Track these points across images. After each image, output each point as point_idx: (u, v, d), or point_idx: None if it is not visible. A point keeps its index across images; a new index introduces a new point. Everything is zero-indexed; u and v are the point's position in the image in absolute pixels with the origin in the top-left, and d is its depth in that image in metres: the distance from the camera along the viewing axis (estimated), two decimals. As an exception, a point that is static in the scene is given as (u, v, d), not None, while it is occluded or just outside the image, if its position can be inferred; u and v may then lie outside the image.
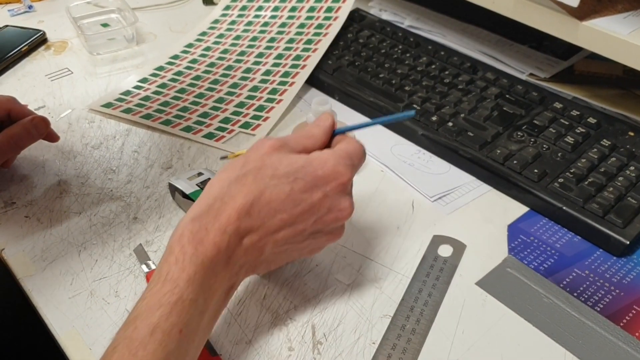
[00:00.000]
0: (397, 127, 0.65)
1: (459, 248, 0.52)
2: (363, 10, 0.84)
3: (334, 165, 0.42)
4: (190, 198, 0.54)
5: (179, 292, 0.36)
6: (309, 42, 0.76)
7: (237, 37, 0.82)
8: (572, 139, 0.59)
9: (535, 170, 0.56)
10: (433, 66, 0.71)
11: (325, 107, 0.59)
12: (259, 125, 0.67)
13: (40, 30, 0.85)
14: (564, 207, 0.53)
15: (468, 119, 0.63)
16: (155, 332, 0.35)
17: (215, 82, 0.74)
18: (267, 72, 0.74)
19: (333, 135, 0.46)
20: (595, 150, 0.58)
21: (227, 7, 0.88)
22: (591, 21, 0.56)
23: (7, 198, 0.59)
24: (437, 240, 0.53)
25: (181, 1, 0.95)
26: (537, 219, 0.55)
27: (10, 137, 0.57)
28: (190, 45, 0.82)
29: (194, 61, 0.79)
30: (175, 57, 0.80)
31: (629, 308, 0.47)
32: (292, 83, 0.71)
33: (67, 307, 0.48)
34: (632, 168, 0.56)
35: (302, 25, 0.80)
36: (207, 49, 0.81)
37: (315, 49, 0.74)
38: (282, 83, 0.72)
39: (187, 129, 0.67)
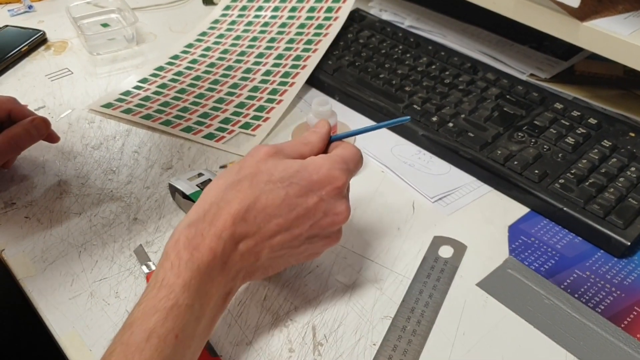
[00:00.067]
0: (397, 128, 0.65)
1: (459, 249, 0.52)
2: (363, 10, 0.84)
3: (328, 169, 0.42)
4: (190, 199, 0.54)
5: (174, 297, 0.36)
6: (309, 42, 0.76)
7: (237, 37, 0.82)
8: (573, 140, 0.59)
9: (536, 171, 0.56)
10: (433, 66, 0.71)
11: (325, 108, 0.59)
12: (259, 125, 0.67)
13: (40, 31, 0.85)
14: (565, 208, 0.53)
15: (468, 119, 0.63)
16: (151, 338, 0.35)
17: (216, 82, 0.74)
18: (267, 73, 0.74)
19: (330, 141, 0.47)
20: (596, 151, 0.58)
21: (227, 7, 0.88)
22: (592, 22, 0.56)
23: (7, 199, 0.59)
24: (438, 241, 0.53)
25: (181, 1, 0.95)
26: (537, 220, 0.55)
27: (11, 137, 0.57)
28: (190, 46, 0.82)
29: (194, 61, 0.78)
30: (176, 57, 0.80)
31: (630, 309, 0.47)
32: (292, 83, 0.71)
33: (67, 308, 0.48)
34: (632, 169, 0.56)
35: (302, 26, 0.80)
36: (207, 49, 0.81)
37: (316, 49, 0.74)
38: (282, 83, 0.72)
39: (187, 129, 0.67)
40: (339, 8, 0.79)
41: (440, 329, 0.45)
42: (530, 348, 0.44)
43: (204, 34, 0.84)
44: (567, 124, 0.61)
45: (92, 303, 0.48)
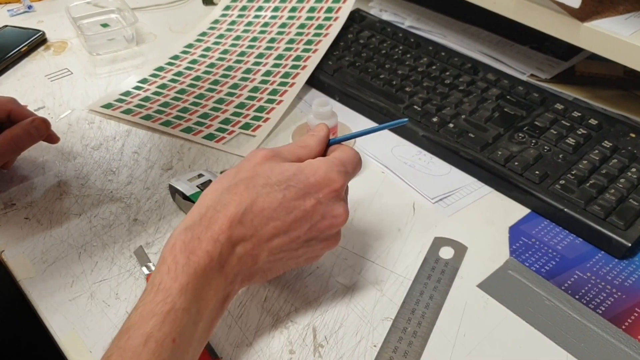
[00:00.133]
0: (397, 129, 0.65)
1: (460, 250, 0.52)
2: (363, 10, 0.84)
3: (326, 172, 0.42)
4: (190, 200, 0.54)
5: (171, 301, 0.36)
6: (309, 42, 0.76)
7: (237, 38, 0.82)
8: (574, 141, 0.59)
9: (537, 172, 0.55)
10: (434, 67, 0.71)
11: (326, 109, 0.59)
12: (259, 126, 0.66)
13: (39, 31, 0.85)
14: (566, 209, 0.53)
15: (469, 120, 0.63)
16: (149, 342, 0.35)
17: (216, 82, 0.74)
18: (268, 73, 0.74)
19: (328, 145, 0.47)
20: (596, 151, 0.57)
21: (227, 8, 0.88)
22: (592, 22, 0.55)
23: (7, 199, 0.58)
24: (438, 243, 0.53)
25: (181, 1, 0.95)
26: (538, 221, 0.55)
27: (11, 138, 0.57)
28: (190, 46, 0.82)
29: (194, 62, 0.78)
30: (175, 57, 0.80)
31: (631, 311, 0.47)
32: (293, 84, 0.71)
33: (67, 310, 0.48)
34: (633, 170, 0.56)
35: (302, 26, 0.79)
36: (207, 49, 0.81)
37: (316, 50, 0.74)
38: (283, 84, 0.72)
39: (187, 130, 0.67)
40: (339, 8, 0.79)
41: (441, 331, 0.45)
42: (531, 349, 0.44)
43: (204, 34, 0.84)
44: (568, 124, 0.61)
45: (92, 304, 0.48)
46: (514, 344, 0.45)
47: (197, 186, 0.55)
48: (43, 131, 0.59)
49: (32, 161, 0.63)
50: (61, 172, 0.62)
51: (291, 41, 0.78)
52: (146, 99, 0.72)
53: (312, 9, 0.81)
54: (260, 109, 0.69)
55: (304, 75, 0.71)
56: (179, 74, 0.76)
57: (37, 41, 0.83)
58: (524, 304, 0.47)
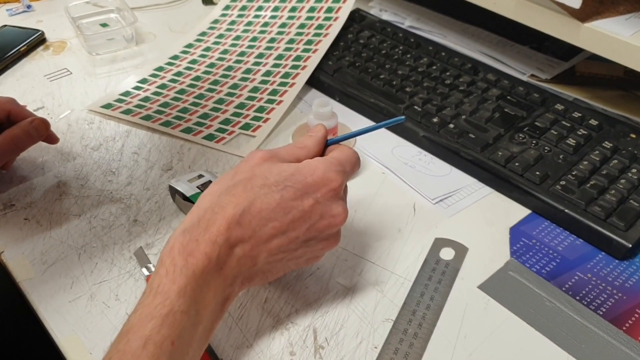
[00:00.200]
0: (398, 129, 0.65)
1: (460, 251, 0.52)
2: (363, 10, 0.84)
3: (324, 171, 0.42)
4: (190, 200, 0.53)
5: (170, 304, 0.36)
6: (309, 42, 0.76)
7: (237, 38, 0.82)
8: (574, 141, 0.59)
9: (537, 173, 0.55)
10: (434, 67, 0.71)
11: (326, 109, 0.59)
12: (259, 126, 0.66)
13: (38, 30, 0.84)
14: (566, 210, 0.53)
15: (469, 120, 0.62)
16: (148, 345, 0.35)
17: (215, 82, 0.74)
18: (267, 73, 0.74)
19: (327, 145, 0.47)
20: (597, 152, 0.57)
21: (227, 7, 0.87)
22: (593, 23, 0.55)
23: (6, 200, 0.58)
24: (439, 243, 0.53)
25: (180, 1, 0.95)
26: (539, 222, 0.55)
27: (10, 139, 0.57)
28: (190, 46, 0.82)
29: (193, 62, 0.78)
30: (175, 57, 0.79)
31: (632, 312, 0.47)
32: (293, 84, 0.71)
33: (67, 311, 0.48)
34: (634, 170, 0.56)
35: (302, 26, 0.79)
36: (207, 49, 0.80)
37: (316, 50, 0.74)
38: (283, 84, 0.71)
39: (187, 130, 0.66)
40: (339, 8, 0.79)
41: (441, 332, 0.45)
42: (532, 351, 0.44)
43: (203, 34, 0.84)
44: (568, 125, 0.61)
45: (91, 306, 0.48)
46: (515, 345, 0.45)
47: (197, 187, 0.55)
48: (42, 132, 0.59)
49: (32, 162, 0.63)
50: (61, 172, 0.62)
51: (291, 41, 0.78)
52: (146, 99, 0.72)
53: (312, 9, 0.81)
54: (260, 109, 0.69)
55: (304, 75, 0.71)
56: (178, 74, 0.76)
57: (36, 41, 0.83)
58: (525, 305, 0.47)
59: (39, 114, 0.68)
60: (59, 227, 0.55)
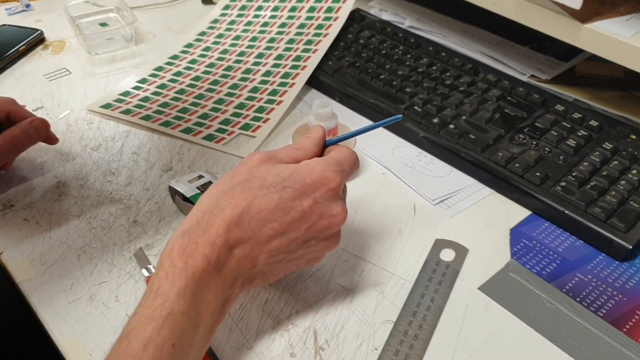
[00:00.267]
0: (398, 130, 0.65)
1: (461, 252, 0.52)
2: (363, 10, 0.84)
3: (322, 171, 0.42)
4: (190, 201, 0.53)
5: (170, 306, 0.36)
6: (309, 42, 0.76)
7: (237, 37, 0.81)
8: (574, 142, 0.59)
9: (537, 174, 0.55)
10: (434, 67, 0.71)
11: (326, 110, 0.59)
12: (259, 127, 0.66)
13: (37, 30, 0.84)
14: (566, 211, 0.53)
15: (470, 121, 0.62)
16: (148, 347, 0.35)
17: (215, 82, 0.74)
18: (267, 73, 0.74)
19: (325, 146, 0.47)
20: (597, 153, 0.57)
21: (227, 7, 0.87)
22: (593, 23, 0.55)
23: (5, 200, 0.58)
24: (439, 244, 0.53)
25: (180, 0, 0.94)
26: (539, 223, 0.55)
27: (10, 139, 0.57)
28: (189, 46, 0.81)
29: (193, 61, 0.78)
30: (175, 57, 0.79)
31: (632, 313, 0.47)
32: (292, 84, 0.71)
33: (66, 312, 0.48)
34: (634, 171, 0.56)
35: (302, 26, 0.79)
36: (207, 49, 0.80)
37: (316, 50, 0.74)
38: (282, 84, 0.71)
39: (187, 130, 0.66)
40: (339, 8, 0.79)
41: (442, 334, 0.45)
42: (532, 352, 0.44)
43: (203, 33, 0.84)
44: (569, 126, 0.61)
45: (91, 307, 0.48)
46: (515, 346, 0.45)
47: (197, 187, 0.55)
48: (42, 132, 0.59)
49: (31, 162, 0.63)
50: (60, 173, 0.61)
51: (291, 41, 0.77)
52: (145, 99, 0.72)
53: (311, 9, 0.81)
54: (260, 110, 0.69)
55: (304, 75, 0.71)
56: (178, 73, 0.76)
57: (35, 40, 0.83)
58: (525, 306, 0.47)
59: (38, 114, 0.68)
60: (58, 227, 0.55)
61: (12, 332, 0.68)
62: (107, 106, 0.70)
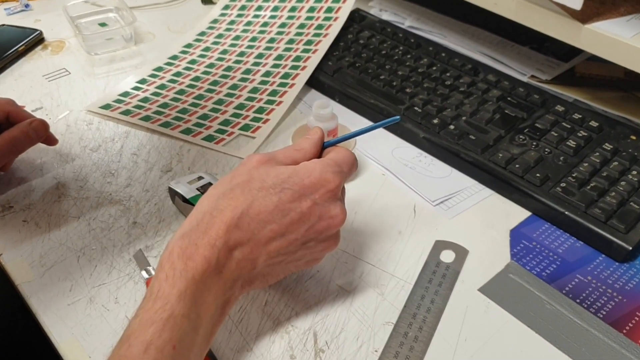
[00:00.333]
0: (398, 130, 0.65)
1: (461, 253, 0.52)
2: (363, 10, 0.84)
3: (320, 173, 0.42)
4: (190, 202, 0.53)
5: (170, 308, 0.36)
6: (309, 42, 0.76)
7: (237, 38, 0.81)
8: (574, 143, 0.59)
9: (537, 175, 0.55)
10: (434, 68, 0.70)
11: (326, 111, 0.58)
12: (259, 127, 0.66)
13: (37, 30, 0.84)
14: (566, 212, 0.53)
15: (470, 121, 0.62)
16: (149, 349, 0.35)
17: (215, 83, 0.74)
18: (267, 73, 0.74)
19: (324, 147, 0.47)
20: (597, 154, 0.57)
21: (226, 7, 0.87)
22: (594, 24, 0.55)
23: (4, 202, 0.58)
24: (439, 246, 0.53)
25: (179, 0, 0.94)
26: (539, 224, 0.55)
27: (9, 140, 0.57)
28: (189, 46, 0.81)
29: (193, 62, 0.78)
30: (174, 57, 0.79)
31: (632, 315, 0.47)
32: (292, 84, 0.71)
33: (66, 314, 0.48)
34: (634, 172, 0.55)
35: (302, 26, 0.79)
36: (207, 49, 0.80)
37: (316, 50, 0.74)
38: (282, 84, 0.71)
39: (187, 131, 0.66)
40: (339, 8, 0.79)
41: (442, 335, 0.45)
42: (532, 353, 0.44)
43: (202, 33, 0.83)
44: (569, 126, 0.61)
45: (91, 309, 0.48)
46: (515, 348, 0.45)
47: (197, 189, 0.55)
48: (42, 133, 0.59)
49: (30, 163, 0.63)
50: (59, 174, 0.61)
51: (291, 41, 0.77)
52: (145, 99, 0.72)
53: (311, 9, 0.81)
54: (260, 110, 0.68)
55: (304, 75, 0.71)
56: (178, 74, 0.76)
57: (34, 40, 0.83)
58: (525, 308, 0.47)
59: (38, 114, 0.68)
60: (57, 229, 0.55)
61: (12, 334, 0.68)
62: (106, 107, 0.70)
